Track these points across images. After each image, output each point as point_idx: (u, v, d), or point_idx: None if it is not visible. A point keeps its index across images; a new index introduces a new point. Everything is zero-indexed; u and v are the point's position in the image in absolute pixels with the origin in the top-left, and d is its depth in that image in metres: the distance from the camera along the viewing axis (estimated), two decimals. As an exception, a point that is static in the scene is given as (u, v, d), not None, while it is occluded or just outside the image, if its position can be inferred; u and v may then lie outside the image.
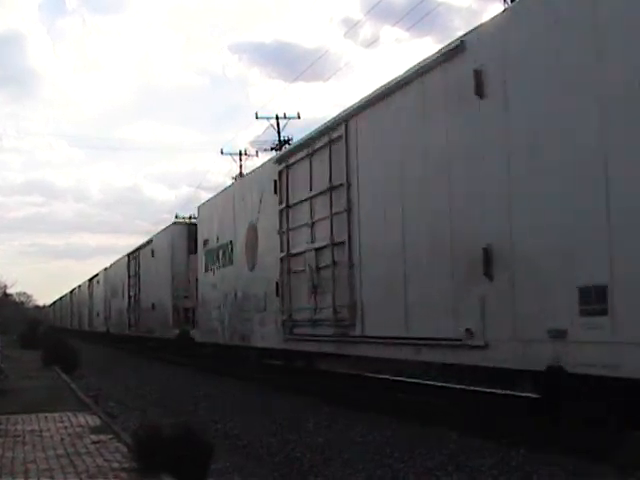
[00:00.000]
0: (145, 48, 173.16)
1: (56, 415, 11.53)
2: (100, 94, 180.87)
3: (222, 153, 48.40)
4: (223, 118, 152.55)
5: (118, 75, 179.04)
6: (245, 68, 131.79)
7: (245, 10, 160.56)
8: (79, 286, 58.04)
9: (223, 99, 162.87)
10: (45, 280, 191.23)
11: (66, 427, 10.34)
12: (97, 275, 46.54)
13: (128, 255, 33.82)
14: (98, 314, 44.80)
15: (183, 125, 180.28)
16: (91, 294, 48.64)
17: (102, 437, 9.29)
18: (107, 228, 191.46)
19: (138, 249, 31.86)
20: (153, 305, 27.83)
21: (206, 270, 20.51)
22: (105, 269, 42.29)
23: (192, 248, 23.58)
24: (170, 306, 25.17)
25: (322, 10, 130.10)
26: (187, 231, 25.13)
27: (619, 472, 6.88)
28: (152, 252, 28.35)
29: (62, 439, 9.31)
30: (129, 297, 32.74)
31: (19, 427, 10.44)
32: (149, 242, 29.71)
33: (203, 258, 20.79)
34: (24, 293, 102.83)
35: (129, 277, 32.89)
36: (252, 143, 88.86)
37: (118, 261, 37.79)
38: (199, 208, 22.07)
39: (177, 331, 24.22)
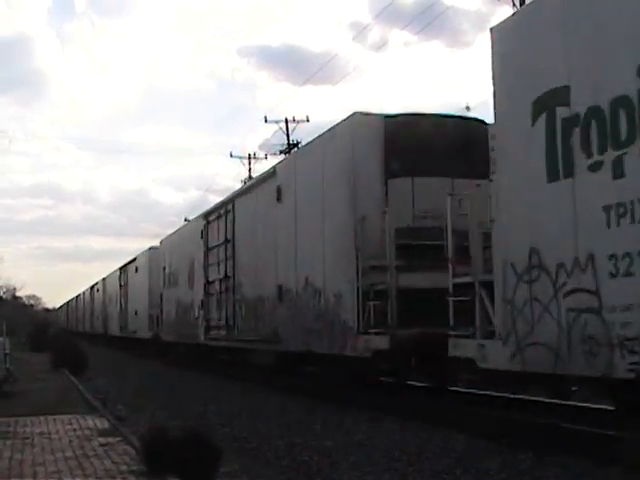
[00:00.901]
0: (153, 51, 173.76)
1: (64, 417, 11.57)
2: (108, 97, 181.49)
3: (231, 156, 48.44)
4: (231, 121, 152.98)
5: (126, 78, 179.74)
6: (253, 71, 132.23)
7: (253, 13, 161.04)
8: (104, 279, 49.50)
9: (231, 102, 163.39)
10: (52, 283, 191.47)
11: (74, 429, 10.37)
12: (134, 260, 36.90)
13: (205, 216, 22.56)
14: (136, 312, 34.94)
15: (191, 128, 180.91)
16: (124, 287, 39.22)
17: (110, 439, 9.32)
18: (114, 231, 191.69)
19: (229, 201, 20.31)
20: (281, 290, 15.62)
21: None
22: (151, 248, 32.98)
23: (394, 167, 12.54)
24: (349, 289, 12.62)
25: (330, 13, 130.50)
26: (383, 132, 12.84)
27: (627, 475, 6.87)
28: (278, 191, 16.00)
29: (70, 441, 9.34)
30: (206, 283, 21.73)
31: (28, 429, 10.49)
32: (266, 178, 17.44)
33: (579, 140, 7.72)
34: (33, 296, 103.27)
35: (207, 251, 21.84)
36: (261, 146, 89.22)
37: (180, 230, 27.76)
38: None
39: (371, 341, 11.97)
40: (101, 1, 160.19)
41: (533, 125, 8.26)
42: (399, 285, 11.62)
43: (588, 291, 7.38)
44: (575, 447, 7.88)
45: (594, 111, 7.46)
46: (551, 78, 8.03)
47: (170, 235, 28.96)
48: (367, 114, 13.14)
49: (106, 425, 10.71)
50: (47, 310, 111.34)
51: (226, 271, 19.63)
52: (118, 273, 41.40)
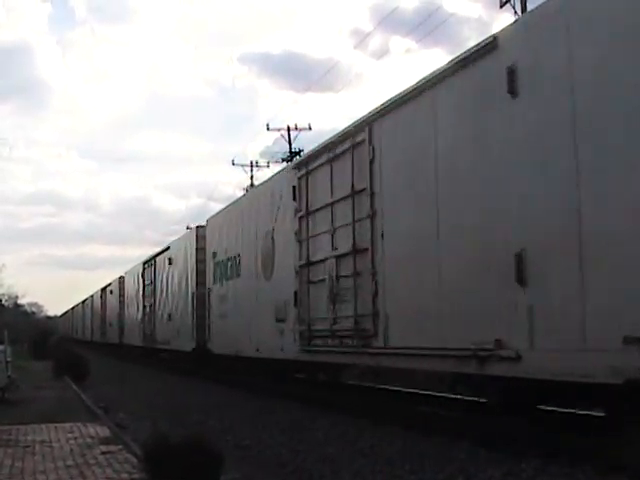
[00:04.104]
0: (154, 58, 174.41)
1: (66, 425, 11.55)
2: (109, 104, 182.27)
3: (233, 164, 48.71)
4: (233, 129, 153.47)
5: (127, 85, 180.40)
6: (254, 79, 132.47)
7: (254, 20, 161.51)
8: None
9: (232, 110, 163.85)
10: (54, 290, 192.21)
11: (76, 438, 10.35)
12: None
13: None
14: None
15: (193, 136, 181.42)
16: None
17: (112, 448, 9.30)
18: (116, 239, 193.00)
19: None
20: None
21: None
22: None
23: None
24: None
25: (331, 21, 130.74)
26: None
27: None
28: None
29: (72, 450, 9.32)
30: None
31: (29, 437, 10.47)
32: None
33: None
34: (35, 303, 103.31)
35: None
36: (262, 154, 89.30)
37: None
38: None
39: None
40: (101, 8, 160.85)
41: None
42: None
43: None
44: (579, 455, 7.84)
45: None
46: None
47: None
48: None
49: (107, 433, 10.69)
50: (49, 318, 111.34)
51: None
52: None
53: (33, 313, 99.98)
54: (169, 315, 27.02)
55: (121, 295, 40.16)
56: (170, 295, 27.18)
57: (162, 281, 28.91)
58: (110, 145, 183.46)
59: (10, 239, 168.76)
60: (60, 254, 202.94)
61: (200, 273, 22.59)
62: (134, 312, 35.19)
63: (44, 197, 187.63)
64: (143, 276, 32.79)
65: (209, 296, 21.15)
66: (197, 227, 23.82)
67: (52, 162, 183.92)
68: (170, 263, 27.14)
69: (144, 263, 33.06)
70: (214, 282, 20.60)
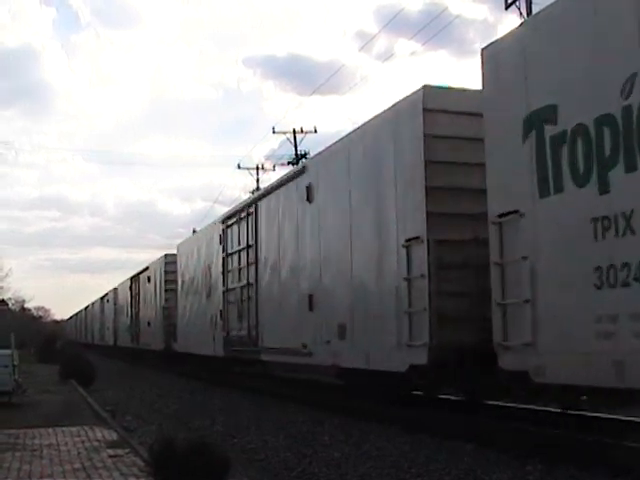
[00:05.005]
0: (159, 62, 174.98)
1: (73, 429, 11.56)
2: (114, 108, 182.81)
3: (239, 167, 48.58)
4: (238, 132, 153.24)
5: (132, 89, 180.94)
6: (259, 82, 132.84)
7: (258, 23, 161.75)
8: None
9: (238, 113, 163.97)
10: (61, 294, 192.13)
11: (83, 441, 10.36)
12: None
13: (225, 219, 20.18)
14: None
15: (197, 139, 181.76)
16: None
17: (119, 451, 9.31)
18: (122, 243, 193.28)
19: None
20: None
21: None
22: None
23: None
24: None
25: (335, 23, 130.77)
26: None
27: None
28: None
29: (79, 453, 9.33)
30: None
31: (36, 441, 10.48)
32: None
33: None
34: (42, 307, 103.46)
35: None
36: (267, 157, 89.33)
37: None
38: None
39: None
40: (106, 12, 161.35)
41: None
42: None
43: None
44: (585, 458, 7.84)
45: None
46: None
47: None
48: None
49: (114, 436, 10.70)
50: (56, 322, 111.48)
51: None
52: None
53: (40, 317, 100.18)
54: (309, 299, 13.76)
55: (167, 280, 28.84)
56: (309, 263, 14.01)
57: (277, 240, 15.76)
58: (115, 149, 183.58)
59: (17, 243, 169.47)
60: (66, 258, 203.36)
61: (436, 197, 10.08)
62: (198, 302, 22.97)
63: (49, 201, 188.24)
64: (223, 241, 19.84)
65: (518, 234, 8.24)
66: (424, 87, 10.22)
67: (57, 166, 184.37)
68: (309, 199, 13.93)
69: (226, 218, 19.96)
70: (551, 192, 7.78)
